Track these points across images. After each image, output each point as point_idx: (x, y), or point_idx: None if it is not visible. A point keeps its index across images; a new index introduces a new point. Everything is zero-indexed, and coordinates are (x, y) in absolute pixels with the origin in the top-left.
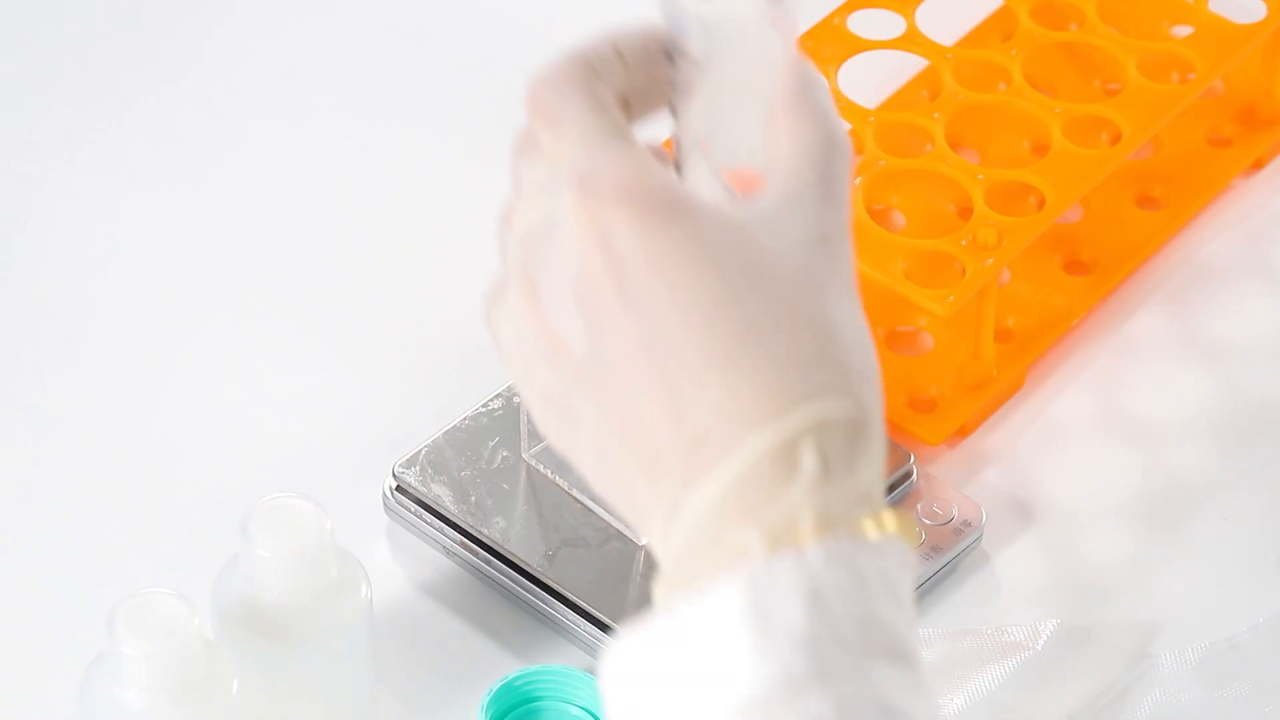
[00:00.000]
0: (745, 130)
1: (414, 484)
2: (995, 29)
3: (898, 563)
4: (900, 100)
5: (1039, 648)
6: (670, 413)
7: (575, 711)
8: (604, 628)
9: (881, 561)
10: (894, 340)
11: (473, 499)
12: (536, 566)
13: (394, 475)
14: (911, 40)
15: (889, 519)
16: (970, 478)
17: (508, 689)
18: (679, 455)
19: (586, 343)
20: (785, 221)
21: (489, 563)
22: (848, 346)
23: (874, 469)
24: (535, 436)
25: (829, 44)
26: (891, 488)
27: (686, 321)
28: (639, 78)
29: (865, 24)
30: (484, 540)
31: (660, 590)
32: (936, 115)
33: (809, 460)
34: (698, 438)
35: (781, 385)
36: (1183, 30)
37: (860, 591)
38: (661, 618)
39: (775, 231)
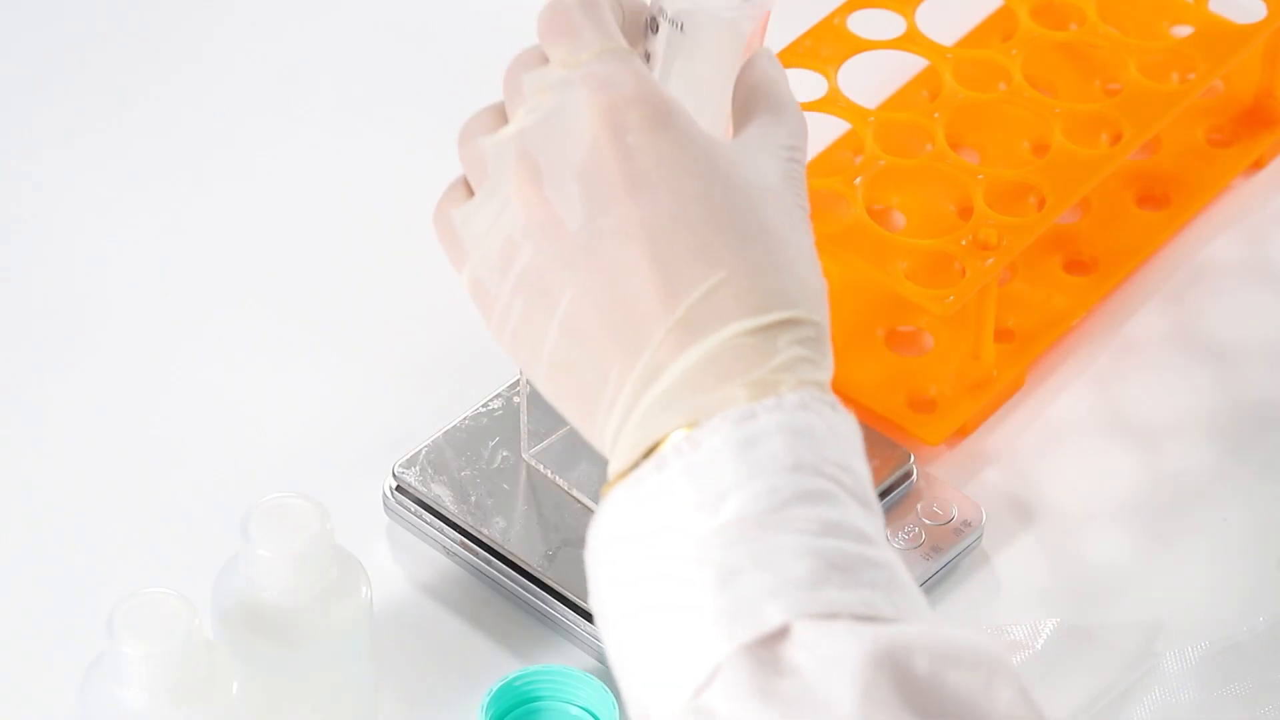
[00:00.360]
0: (701, 101)
1: (414, 484)
2: (995, 29)
3: (856, 437)
4: (900, 100)
5: (1038, 647)
6: (661, 290)
7: (575, 711)
8: None
9: (846, 427)
10: (894, 340)
11: (473, 499)
12: (536, 566)
13: (394, 475)
14: (911, 40)
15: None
16: (970, 478)
17: (508, 689)
18: (664, 329)
19: (584, 221)
20: (760, 157)
21: (489, 563)
22: (810, 269)
23: (829, 373)
24: (535, 436)
25: (829, 44)
26: (891, 488)
27: (686, 213)
28: (627, 34)
29: (865, 24)
30: (484, 540)
31: (622, 451)
32: (936, 115)
33: (786, 347)
34: (685, 316)
35: (765, 285)
36: (1183, 30)
37: (833, 439)
38: (646, 467)
39: (753, 163)
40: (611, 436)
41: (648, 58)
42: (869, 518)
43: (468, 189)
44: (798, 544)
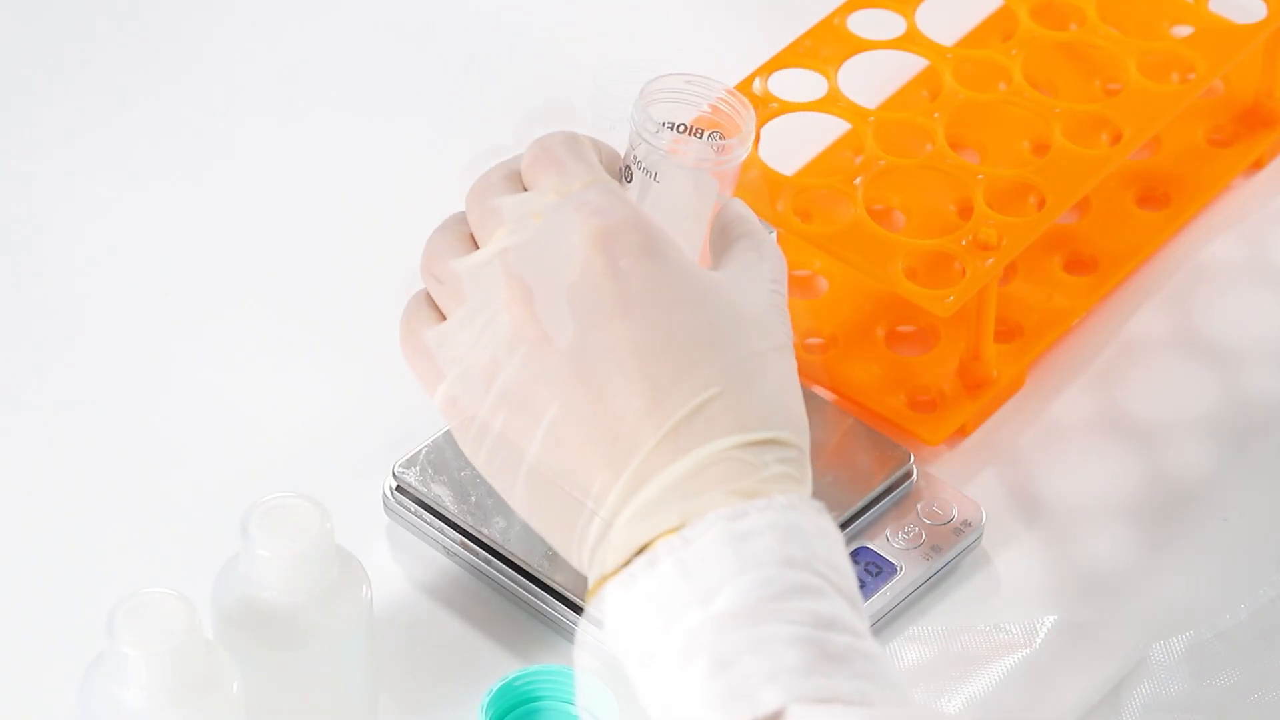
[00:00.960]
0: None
1: (414, 484)
2: (995, 29)
3: (840, 539)
4: (900, 100)
5: (1036, 645)
6: (650, 405)
7: (575, 711)
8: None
9: (832, 530)
10: (894, 340)
11: (473, 499)
12: (536, 566)
13: (394, 475)
14: (911, 40)
15: None
16: (970, 478)
17: (508, 689)
18: (653, 442)
19: (574, 339)
20: (745, 287)
21: (489, 563)
22: (793, 396)
23: (810, 493)
24: None
25: (829, 44)
26: (891, 488)
27: (676, 334)
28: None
29: (865, 24)
30: (484, 540)
31: (606, 555)
32: (936, 115)
33: (772, 464)
34: (675, 430)
35: (752, 406)
36: (1183, 30)
37: (821, 538)
38: (637, 565)
39: (739, 292)
40: (591, 545)
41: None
42: (856, 615)
43: (434, 310)
44: (791, 633)
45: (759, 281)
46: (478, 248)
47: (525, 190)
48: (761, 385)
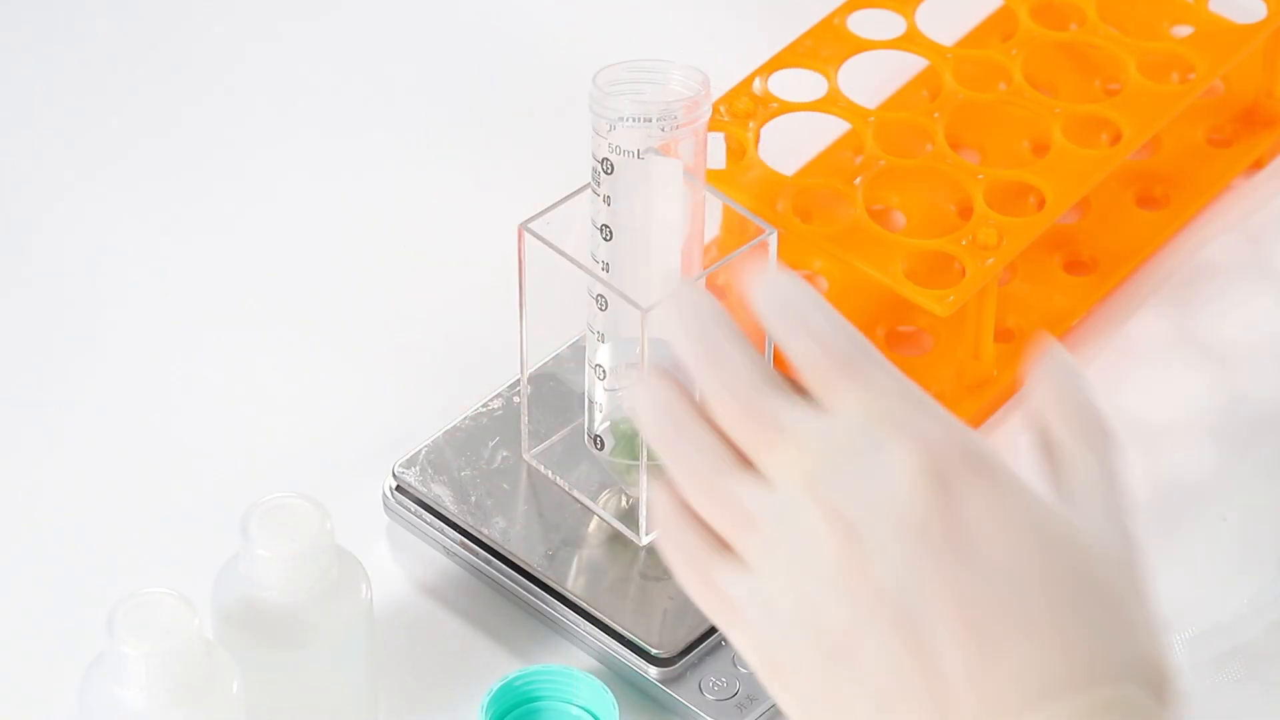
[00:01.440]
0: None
1: (414, 484)
2: (995, 29)
3: None
4: (900, 100)
5: None
6: (976, 666)
7: (575, 711)
8: (604, 628)
9: None
10: (894, 340)
11: (473, 499)
12: (536, 566)
13: (394, 475)
14: (911, 40)
15: None
16: None
17: (508, 689)
18: (974, 707)
19: (900, 582)
20: (1088, 508)
21: (489, 563)
22: (1146, 637)
23: None
24: (536, 437)
25: (829, 44)
26: None
27: (1009, 577)
28: None
29: (865, 24)
30: (484, 540)
31: None
32: (936, 115)
33: None
34: (998, 694)
35: (1088, 659)
36: (1183, 30)
37: None
38: None
39: (1081, 516)
40: None
41: (608, 200)
42: None
43: (709, 535)
44: None
45: (1102, 496)
46: (740, 453)
47: (783, 383)
48: (1104, 632)
